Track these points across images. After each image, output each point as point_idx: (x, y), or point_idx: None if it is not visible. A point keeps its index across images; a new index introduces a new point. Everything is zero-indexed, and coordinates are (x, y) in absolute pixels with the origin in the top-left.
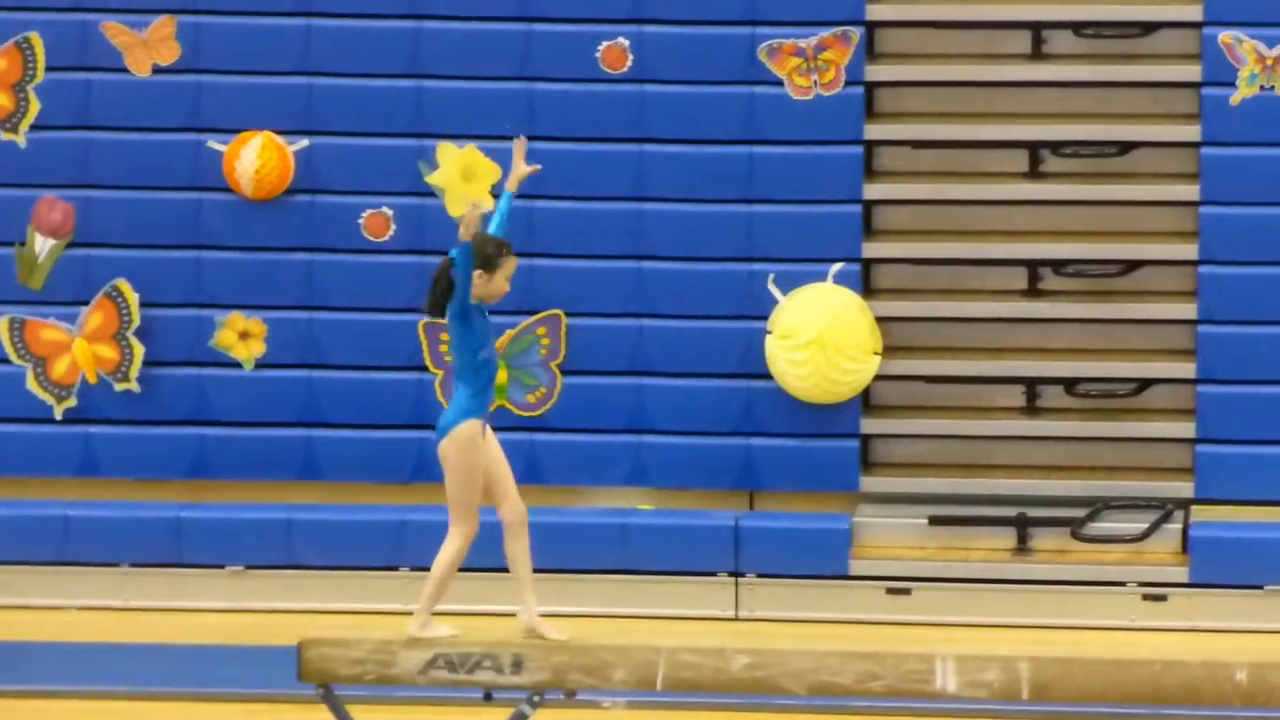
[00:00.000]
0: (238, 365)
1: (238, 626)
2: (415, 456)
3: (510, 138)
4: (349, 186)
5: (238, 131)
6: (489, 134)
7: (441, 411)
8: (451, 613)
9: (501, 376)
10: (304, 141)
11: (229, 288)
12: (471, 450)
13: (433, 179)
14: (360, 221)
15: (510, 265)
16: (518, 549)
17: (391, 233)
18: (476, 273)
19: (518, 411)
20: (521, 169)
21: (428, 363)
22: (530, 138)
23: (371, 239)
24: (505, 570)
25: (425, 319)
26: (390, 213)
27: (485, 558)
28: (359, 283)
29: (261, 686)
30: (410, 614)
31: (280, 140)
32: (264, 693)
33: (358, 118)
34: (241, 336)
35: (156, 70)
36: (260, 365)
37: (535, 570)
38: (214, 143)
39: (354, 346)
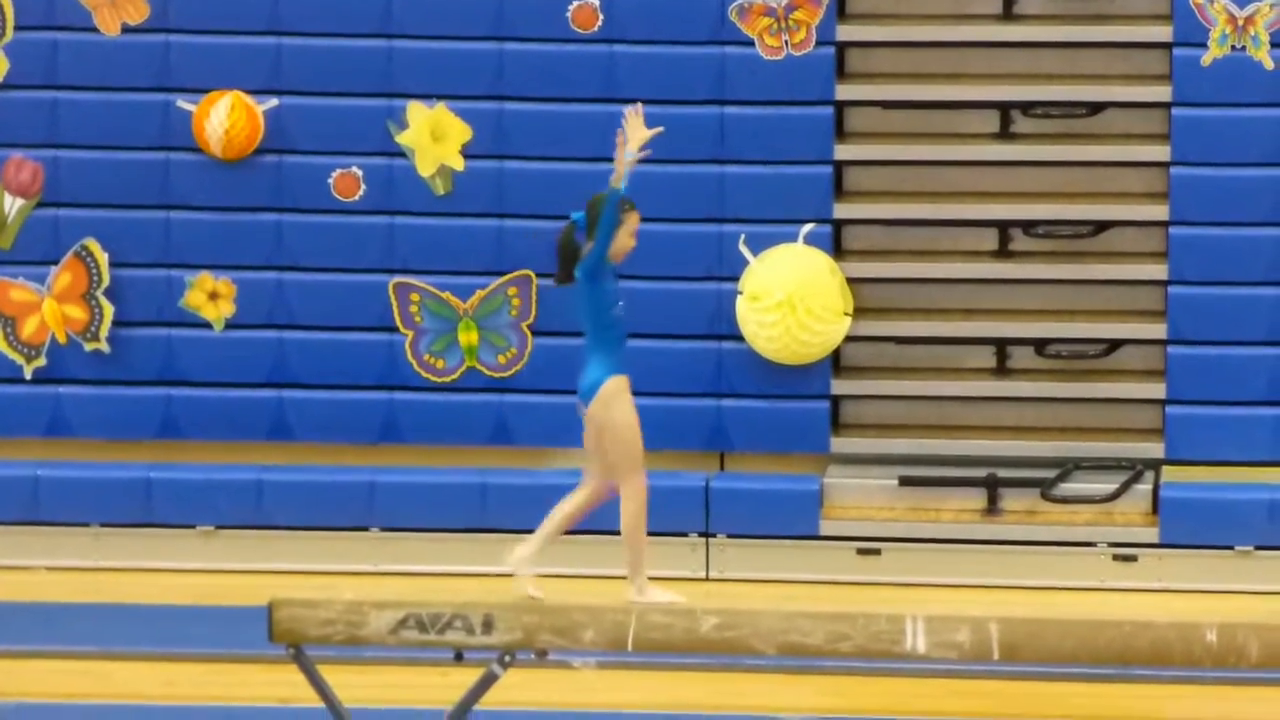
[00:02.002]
0: (207, 325)
1: (208, 587)
2: (385, 417)
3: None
4: (318, 146)
5: (207, 91)
6: (459, 94)
7: (582, 375)
8: (436, 573)
9: (471, 337)
10: (273, 101)
11: (198, 248)
12: (623, 404)
13: (403, 139)
14: (330, 181)
15: (633, 221)
16: (571, 506)
17: (361, 193)
18: None
19: (488, 372)
20: (643, 133)
21: (398, 323)
22: (500, 97)
23: (341, 199)
24: (481, 530)
25: (397, 279)
26: (360, 173)
27: (448, 517)
28: (329, 243)
29: (232, 647)
30: (382, 574)
31: (250, 100)
32: (234, 653)
33: (327, 77)
34: (211, 297)
35: (125, 29)
36: (230, 325)
37: (507, 531)
38: (183, 102)
39: (324, 307)
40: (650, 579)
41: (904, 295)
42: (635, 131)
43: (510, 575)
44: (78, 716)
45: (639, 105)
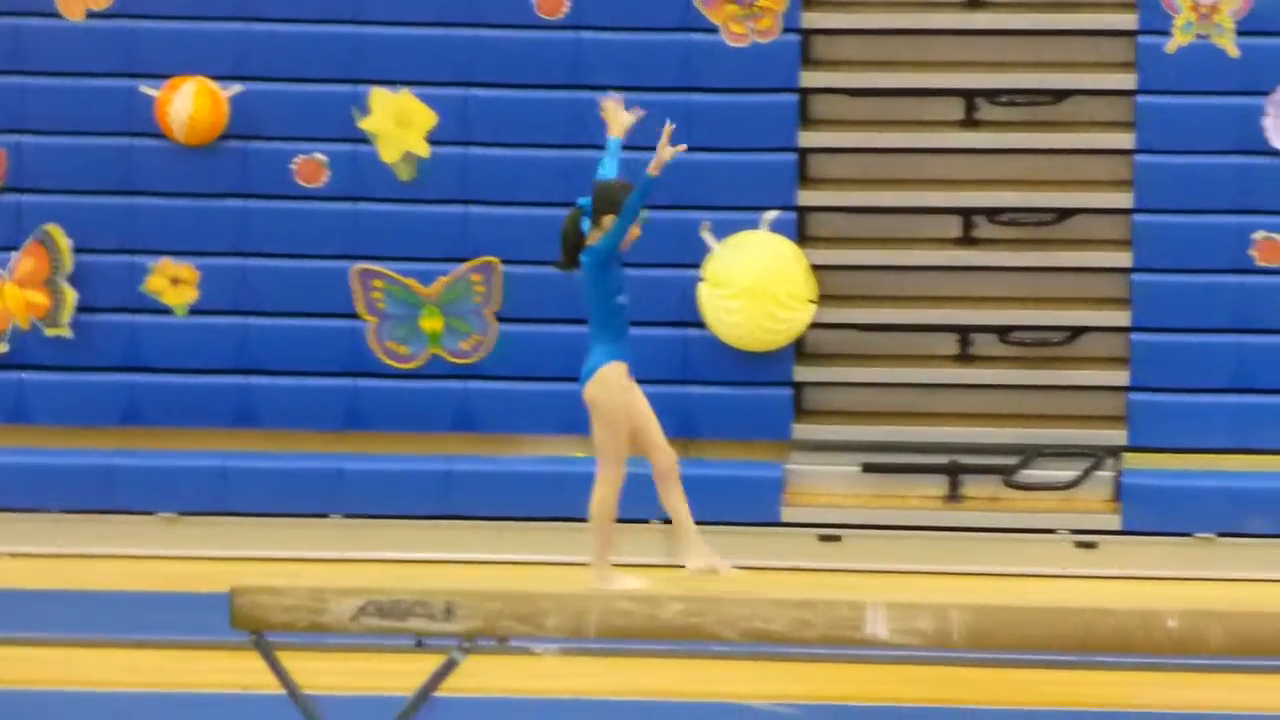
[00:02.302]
0: (170, 311)
1: (170, 573)
2: (349, 404)
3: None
4: (283, 132)
5: (171, 77)
6: (424, 80)
7: (585, 361)
8: (400, 560)
9: (435, 324)
10: (238, 87)
11: (162, 233)
12: (618, 392)
13: (367, 125)
14: (294, 167)
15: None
16: (675, 498)
17: (325, 179)
18: (609, 217)
19: (451, 359)
20: (624, 117)
21: (361, 310)
22: (465, 84)
23: (305, 185)
24: (430, 518)
25: (359, 265)
26: (324, 159)
27: (411, 504)
28: (292, 229)
29: (193, 633)
30: (345, 561)
31: (214, 85)
32: (196, 640)
33: (292, 63)
34: (174, 282)
35: (90, 15)
36: (193, 311)
37: (475, 518)
38: (147, 88)
39: (287, 293)
40: (614, 565)
41: (868, 282)
42: (615, 116)
43: (710, 571)
44: (39, 704)
45: (670, 124)
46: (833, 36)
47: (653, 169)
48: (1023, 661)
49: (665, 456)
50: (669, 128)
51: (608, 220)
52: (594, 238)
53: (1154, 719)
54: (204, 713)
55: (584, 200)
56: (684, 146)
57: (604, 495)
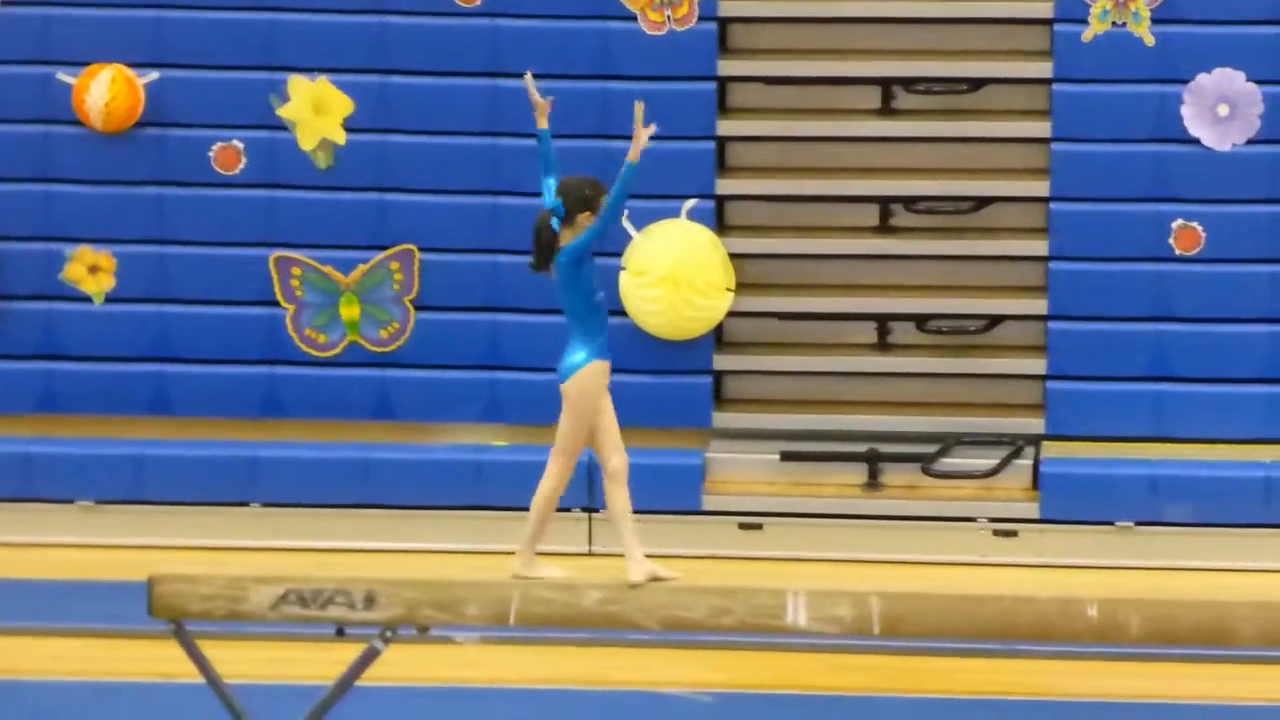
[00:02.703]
0: (88, 299)
1: (88, 562)
2: (267, 392)
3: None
4: (199, 119)
5: (87, 64)
6: (341, 67)
7: (564, 356)
8: (319, 549)
9: (353, 311)
10: (154, 74)
11: (79, 221)
12: (597, 393)
13: (284, 112)
14: (211, 155)
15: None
16: (622, 502)
17: (242, 166)
18: (583, 215)
19: (370, 347)
20: (641, 136)
21: (279, 297)
22: (382, 71)
23: (222, 172)
24: (348, 506)
25: (277, 253)
26: (241, 146)
27: (330, 493)
28: (210, 216)
29: (112, 622)
30: (263, 550)
31: (130, 73)
32: (115, 628)
33: (208, 50)
34: (91, 270)
35: (5, 2)
36: (110, 299)
37: (394, 506)
38: (64, 75)
39: (205, 281)
40: (538, 554)
41: (786, 271)
42: (636, 137)
43: (635, 586)
44: None
45: (640, 101)
46: (750, 25)
47: (632, 155)
48: (942, 649)
49: (621, 459)
50: (640, 107)
51: (583, 218)
52: (566, 237)
53: (1074, 707)
54: (123, 701)
55: (551, 202)
56: (654, 127)
57: (553, 487)
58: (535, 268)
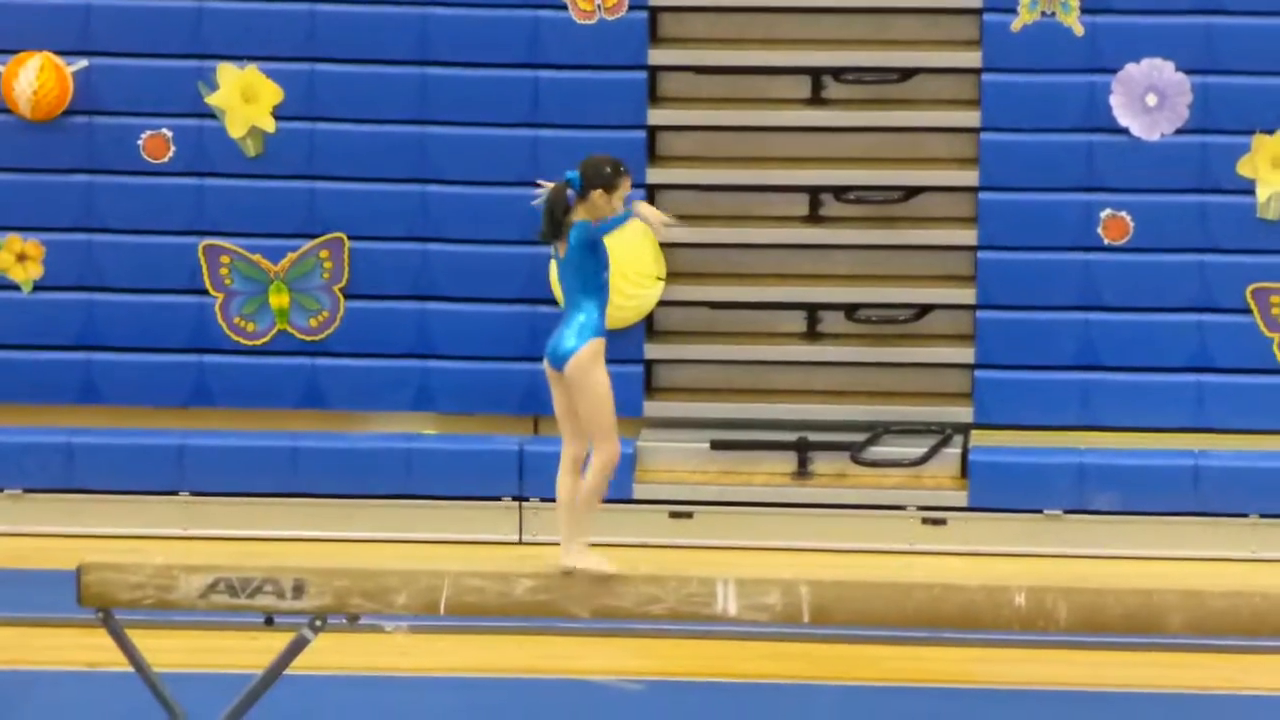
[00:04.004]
0: (16, 288)
1: (16, 550)
2: (195, 380)
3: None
4: (128, 108)
5: (15, 52)
6: (270, 55)
7: (556, 337)
8: (247, 538)
9: (282, 300)
10: (83, 62)
11: (6, 209)
12: (600, 368)
13: (213, 100)
14: (140, 143)
15: (625, 186)
16: (575, 486)
17: (171, 154)
18: (598, 192)
19: (299, 335)
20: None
21: (208, 285)
22: (311, 59)
23: (151, 160)
24: (277, 495)
25: (206, 241)
26: (170, 134)
27: (259, 481)
28: (139, 204)
29: (41, 610)
30: (192, 538)
31: (59, 60)
32: (43, 617)
33: (137, 38)
34: (19, 258)
35: None
36: (38, 287)
37: (322, 495)
38: None
39: (133, 269)
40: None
41: (716, 260)
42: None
43: (571, 571)
44: None
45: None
46: (680, 14)
47: (650, 218)
48: (871, 637)
49: (581, 447)
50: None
51: (597, 195)
52: (579, 213)
53: (1001, 695)
54: (51, 690)
55: (571, 174)
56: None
57: (599, 473)
58: (544, 238)
